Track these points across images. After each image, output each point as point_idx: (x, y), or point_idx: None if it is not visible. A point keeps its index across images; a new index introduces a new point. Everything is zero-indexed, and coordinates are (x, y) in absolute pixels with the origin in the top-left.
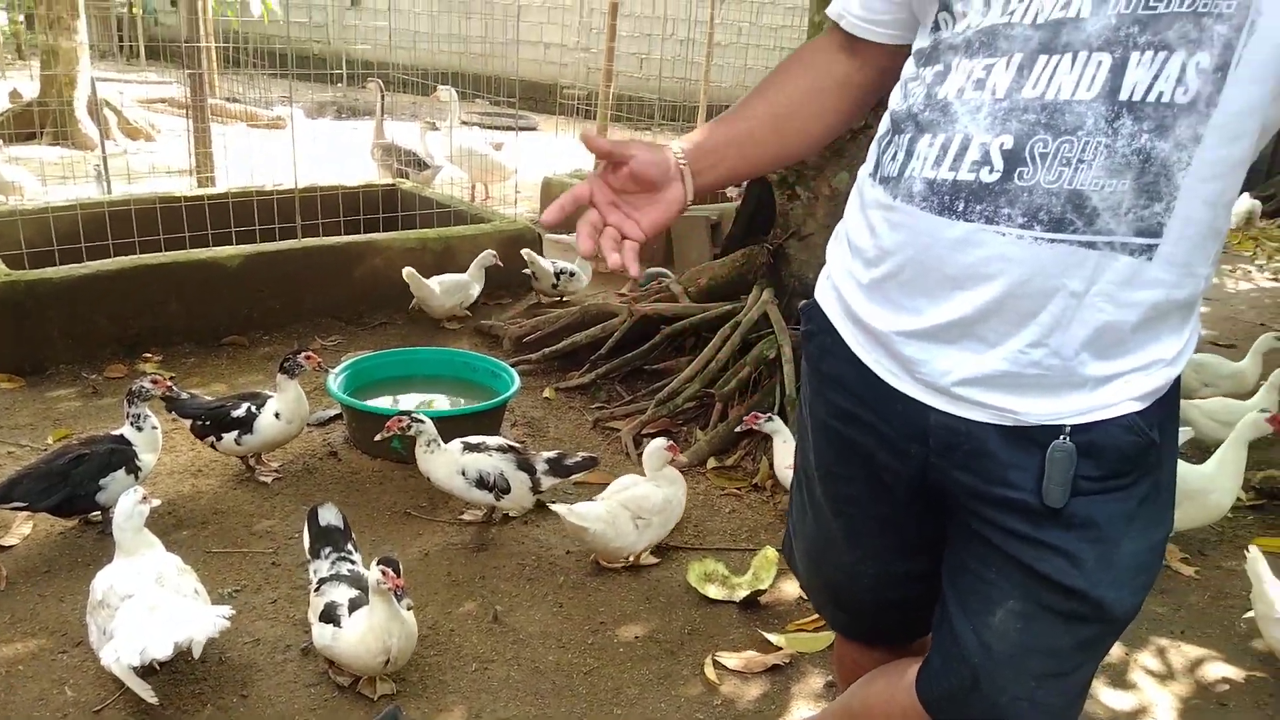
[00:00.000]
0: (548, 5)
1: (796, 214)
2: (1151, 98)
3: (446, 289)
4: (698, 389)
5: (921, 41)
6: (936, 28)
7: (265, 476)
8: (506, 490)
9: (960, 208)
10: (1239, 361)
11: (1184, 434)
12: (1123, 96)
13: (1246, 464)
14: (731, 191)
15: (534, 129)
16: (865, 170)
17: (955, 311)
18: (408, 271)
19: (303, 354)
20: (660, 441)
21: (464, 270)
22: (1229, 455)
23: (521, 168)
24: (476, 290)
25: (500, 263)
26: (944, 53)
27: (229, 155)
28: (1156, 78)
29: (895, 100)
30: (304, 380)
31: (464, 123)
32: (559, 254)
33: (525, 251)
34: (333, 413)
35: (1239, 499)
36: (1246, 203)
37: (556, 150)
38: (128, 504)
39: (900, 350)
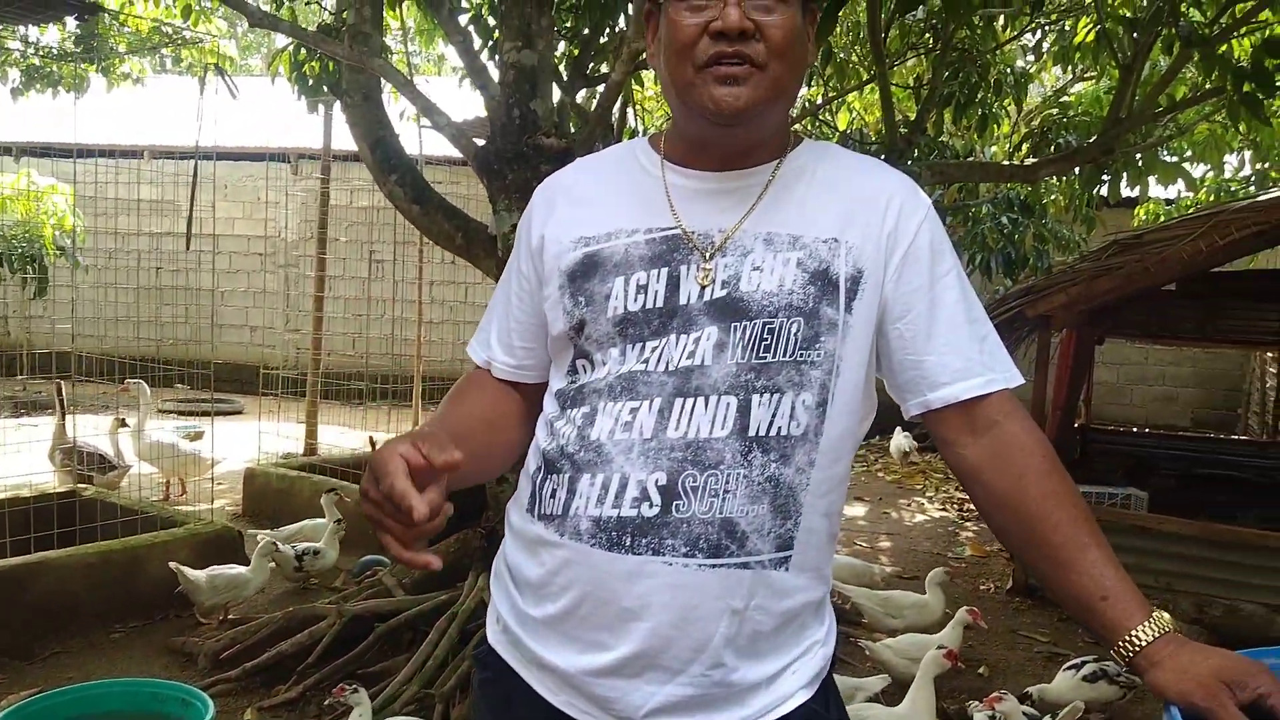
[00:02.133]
0: (251, 290)
1: (505, 496)
2: (773, 432)
3: (216, 585)
4: (417, 689)
5: (559, 383)
6: (574, 371)
7: None
8: None
9: (628, 542)
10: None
11: (881, 679)
12: (751, 433)
13: (937, 696)
14: None
15: (239, 412)
16: (518, 505)
17: (637, 644)
18: (174, 565)
19: None
20: None
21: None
22: (919, 693)
23: (224, 456)
24: (256, 584)
25: (278, 550)
26: (589, 396)
27: None
28: (774, 415)
29: (543, 438)
30: None
31: (161, 411)
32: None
33: (262, 542)
34: None
35: None
36: (900, 439)
37: (262, 434)
38: None
39: (592, 690)
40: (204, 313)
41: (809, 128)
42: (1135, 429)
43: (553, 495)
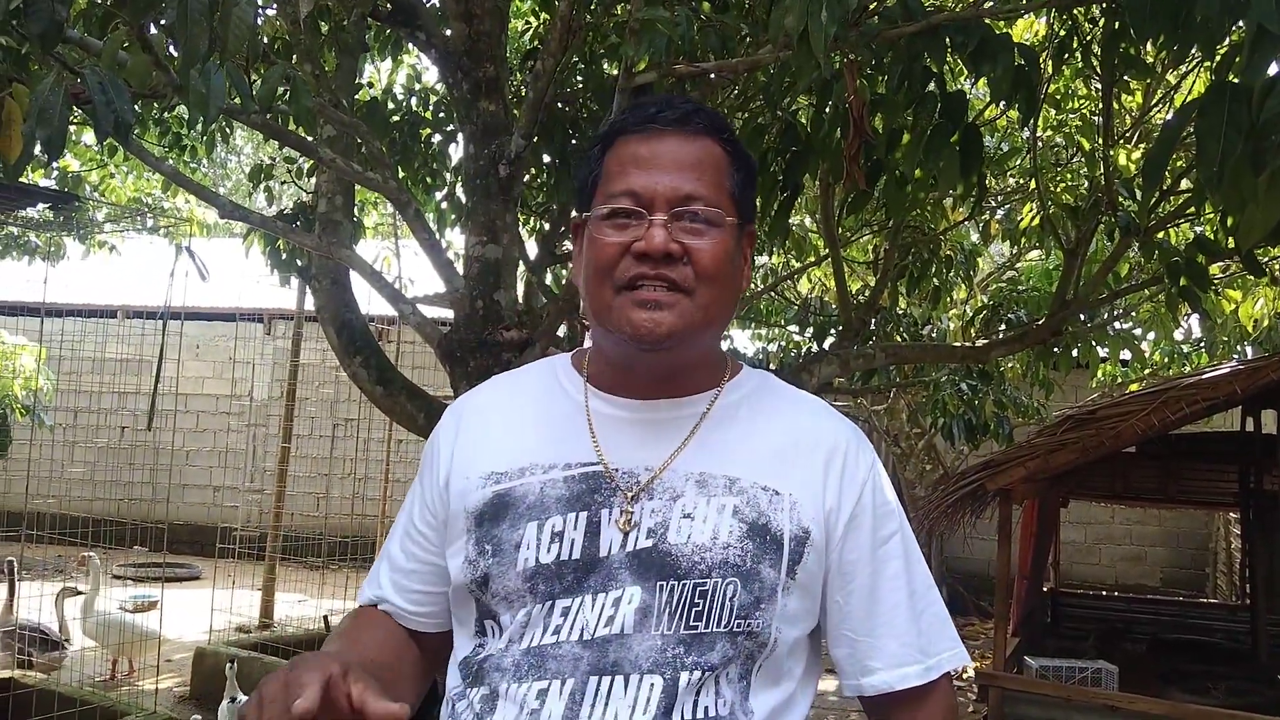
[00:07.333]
0: (217, 449)
1: None
2: (700, 714)
3: None
4: None
5: (465, 649)
6: (482, 632)
7: None
8: None
9: None
10: None
11: None
12: (676, 716)
13: None
14: None
15: (197, 578)
16: None
17: None
18: None
19: None
20: None
21: None
22: None
23: (176, 629)
24: None
25: None
26: (490, 673)
27: None
28: (700, 693)
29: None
30: None
31: (116, 577)
32: None
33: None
34: None
35: None
36: None
37: (217, 607)
38: None
39: None
40: (170, 473)
41: (770, 298)
42: (1104, 591)
43: None
